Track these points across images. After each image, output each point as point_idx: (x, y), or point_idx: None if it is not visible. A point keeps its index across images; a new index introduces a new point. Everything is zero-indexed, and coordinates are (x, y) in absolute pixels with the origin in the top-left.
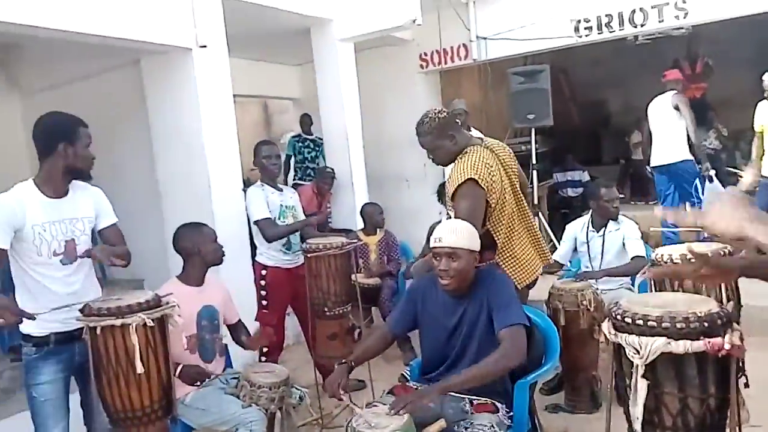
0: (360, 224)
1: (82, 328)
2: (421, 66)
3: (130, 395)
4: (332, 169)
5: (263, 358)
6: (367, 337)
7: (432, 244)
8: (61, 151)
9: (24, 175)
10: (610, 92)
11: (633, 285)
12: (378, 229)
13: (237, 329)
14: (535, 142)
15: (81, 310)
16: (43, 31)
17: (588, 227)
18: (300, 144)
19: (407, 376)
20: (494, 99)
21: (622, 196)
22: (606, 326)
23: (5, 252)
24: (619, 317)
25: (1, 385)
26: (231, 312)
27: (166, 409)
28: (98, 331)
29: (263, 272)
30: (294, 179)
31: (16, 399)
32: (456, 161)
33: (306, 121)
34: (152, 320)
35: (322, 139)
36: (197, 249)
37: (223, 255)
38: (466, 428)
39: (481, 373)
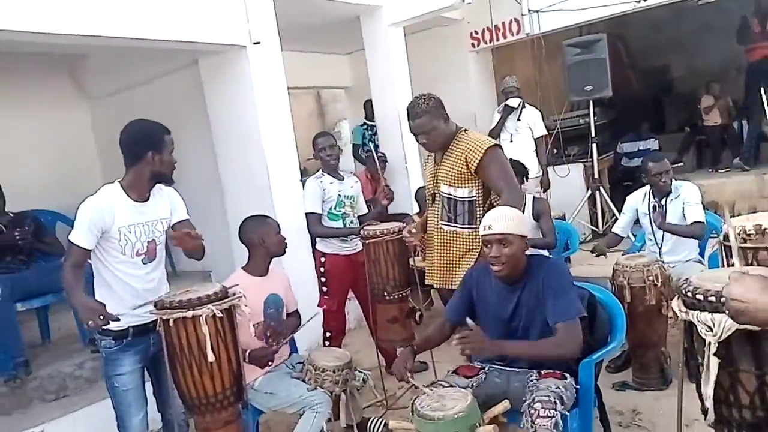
0: (415, 208)
1: (156, 320)
2: (473, 45)
3: (203, 383)
4: (383, 154)
5: (326, 343)
6: (429, 326)
7: (482, 232)
8: (149, 158)
9: (94, 177)
10: (671, 57)
11: (702, 257)
12: None
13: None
14: (594, 115)
15: (155, 305)
16: (107, 40)
17: (649, 197)
18: (368, 131)
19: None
20: (549, 73)
21: (681, 164)
22: (676, 303)
23: (90, 252)
24: (689, 294)
25: (84, 375)
26: (290, 301)
27: (237, 394)
28: (171, 323)
29: (322, 259)
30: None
31: (98, 387)
32: (458, 139)
33: (370, 106)
34: (221, 311)
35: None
36: (261, 240)
37: (286, 246)
38: (531, 392)
39: (537, 351)
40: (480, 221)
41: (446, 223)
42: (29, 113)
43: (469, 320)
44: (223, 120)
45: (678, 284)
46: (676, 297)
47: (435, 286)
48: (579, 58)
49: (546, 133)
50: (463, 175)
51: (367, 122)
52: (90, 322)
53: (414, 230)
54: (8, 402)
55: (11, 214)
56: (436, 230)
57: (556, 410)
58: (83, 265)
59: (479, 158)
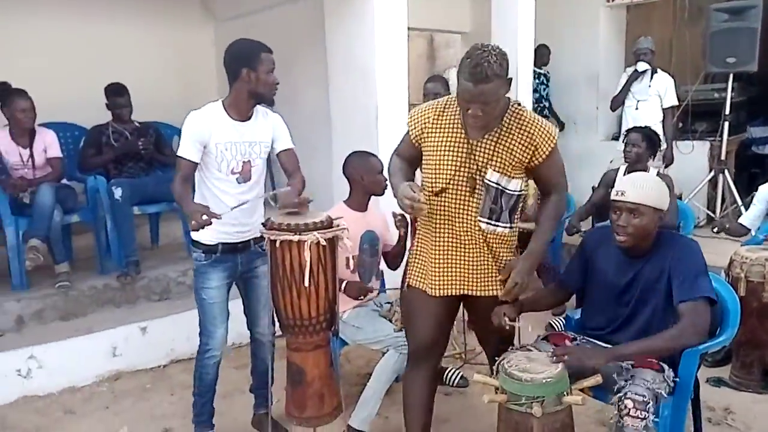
0: None
1: (246, 241)
2: None
3: (300, 305)
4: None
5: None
6: (542, 290)
7: (613, 197)
8: (245, 76)
9: (212, 96)
10: None
11: None
12: None
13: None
14: (732, 90)
15: (263, 224)
16: None
17: None
18: (536, 80)
19: (555, 326)
20: (688, 38)
21: None
22: None
23: (196, 165)
24: None
25: (186, 282)
26: (389, 239)
27: (330, 321)
28: (277, 244)
29: None
30: None
31: None
32: (516, 117)
33: (543, 51)
34: (325, 240)
35: (550, 74)
36: (362, 177)
37: (386, 188)
38: (626, 380)
39: (654, 347)
40: (516, 220)
41: (487, 220)
42: (158, 29)
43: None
44: (339, 53)
45: None
46: None
47: (467, 291)
48: (726, 25)
49: (677, 103)
50: (521, 164)
51: (535, 69)
52: (193, 221)
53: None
54: (118, 296)
55: (137, 123)
56: (460, 228)
57: (647, 412)
58: (191, 177)
59: (550, 148)
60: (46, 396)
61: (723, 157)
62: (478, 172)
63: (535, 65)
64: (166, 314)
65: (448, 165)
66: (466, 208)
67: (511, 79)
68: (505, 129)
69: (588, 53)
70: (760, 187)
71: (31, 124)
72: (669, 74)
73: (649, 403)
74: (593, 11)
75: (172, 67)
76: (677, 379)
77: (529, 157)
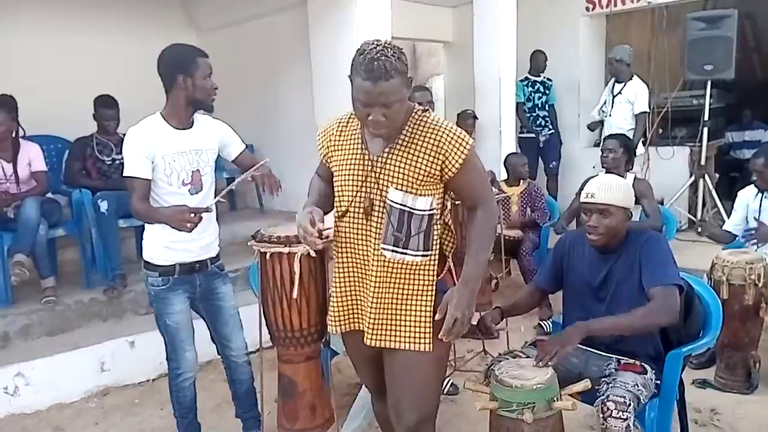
0: (503, 175)
1: (203, 261)
2: (587, 8)
3: (290, 317)
4: (473, 111)
5: None
6: (519, 293)
7: (583, 199)
8: (181, 82)
9: None
10: None
11: None
12: (521, 181)
13: None
14: (710, 97)
15: (253, 236)
16: None
17: (762, 193)
18: (531, 88)
19: (544, 327)
20: (667, 47)
21: None
22: None
23: (149, 183)
24: None
25: None
26: None
27: (320, 333)
28: (267, 256)
29: None
30: (521, 132)
31: None
32: (420, 124)
33: (540, 58)
34: (315, 251)
35: (551, 81)
36: None
37: None
38: (607, 384)
39: (626, 323)
40: (435, 245)
41: (391, 247)
42: (141, 41)
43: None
44: (324, 62)
45: None
46: None
47: (367, 341)
48: (702, 33)
49: (647, 110)
50: (429, 179)
51: (530, 77)
52: (187, 224)
53: (321, 224)
54: (104, 309)
55: (121, 135)
56: (362, 256)
57: (628, 412)
58: (148, 197)
59: (463, 157)
60: (33, 413)
61: (703, 162)
62: (378, 192)
63: (530, 72)
64: (154, 328)
65: (348, 185)
66: (364, 233)
67: (411, 78)
68: (407, 139)
69: (568, 62)
70: (739, 193)
71: (1, 139)
72: (643, 81)
73: (629, 404)
74: (573, 20)
75: (156, 78)
76: (658, 382)
77: (439, 169)
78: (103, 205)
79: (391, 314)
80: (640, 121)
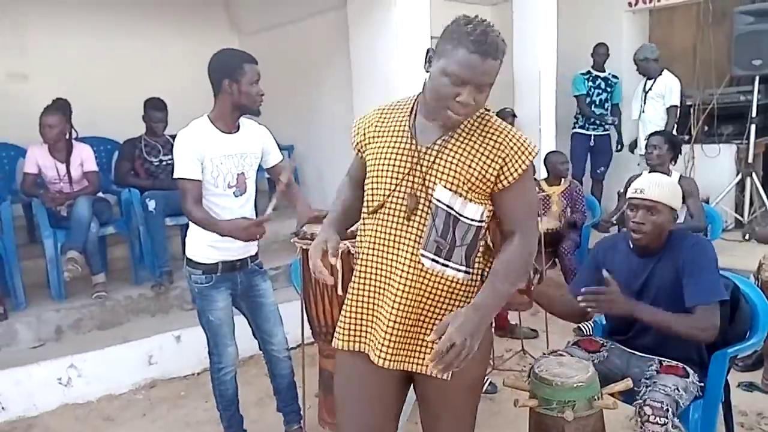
0: (543, 173)
1: (243, 259)
2: (630, 3)
3: (332, 313)
4: (512, 109)
5: None
6: (563, 292)
7: (630, 195)
8: (227, 87)
9: None
10: None
11: None
12: (562, 180)
13: None
14: (758, 93)
15: (295, 233)
16: None
17: None
18: (592, 83)
19: (583, 330)
20: (713, 42)
21: None
22: None
23: (201, 184)
24: None
25: None
26: None
27: None
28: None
29: None
30: (573, 127)
31: None
32: (484, 123)
33: (599, 51)
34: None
35: (617, 78)
36: None
37: None
38: (647, 386)
39: (672, 324)
40: (477, 265)
41: (432, 255)
42: (186, 44)
43: (605, 273)
44: (363, 63)
45: None
46: None
47: (378, 360)
48: (751, 27)
49: (677, 104)
50: (481, 184)
51: (593, 71)
52: (256, 236)
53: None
54: (152, 305)
55: (168, 137)
56: (390, 262)
57: (666, 417)
58: (201, 198)
59: (524, 168)
60: (85, 404)
61: (750, 160)
62: (423, 188)
63: (593, 67)
64: (198, 323)
65: (386, 177)
66: (398, 236)
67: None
68: (466, 134)
69: (611, 58)
70: None
71: (55, 140)
72: (675, 75)
73: (668, 409)
74: (616, 15)
75: (200, 81)
76: (701, 384)
77: (495, 174)
78: (151, 204)
79: (414, 333)
80: (671, 115)
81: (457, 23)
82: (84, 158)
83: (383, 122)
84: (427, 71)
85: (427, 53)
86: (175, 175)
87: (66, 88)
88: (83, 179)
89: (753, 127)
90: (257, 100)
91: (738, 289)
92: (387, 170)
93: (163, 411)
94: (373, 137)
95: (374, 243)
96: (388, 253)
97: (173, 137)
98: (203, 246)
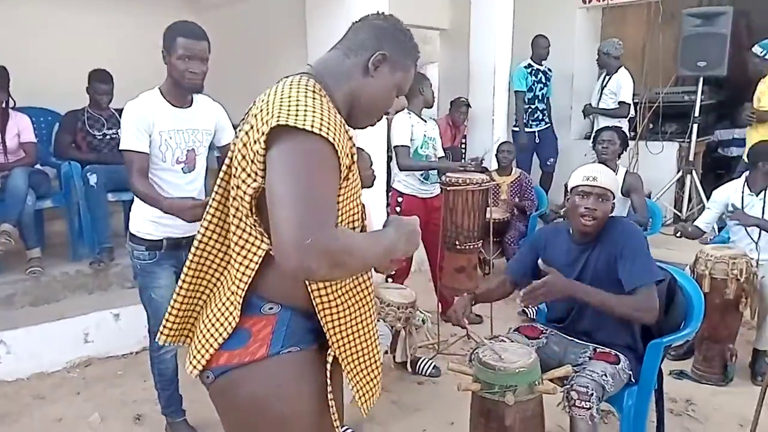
0: (494, 164)
1: (190, 237)
2: (584, 0)
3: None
4: (466, 99)
5: (389, 280)
6: (493, 280)
7: (581, 182)
8: (166, 60)
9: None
10: None
11: None
12: (512, 170)
13: None
14: (702, 93)
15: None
16: None
17: (744, 190)
18: (533, 77)
19: (527, 312)
20: (661, 42)
21: None
22: None
23: (148, 157)
24: None
25: None
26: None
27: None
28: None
29: (399, 199)
30: (515, 125)
31: None
32: None
33: (541, 43)
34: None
35: (551, 72)
36: None
37: (374, 181)
38: (576, 372)
39: (610, 304)
40: None
41: None
42: (139, 16)
43: (541, 263)
44: (320, 48)
45: None
46: None
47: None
48: (697, 30)
49: (628, 101)
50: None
51: (533, 64)
52: (199, 217)
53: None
54: (90, 282)
55: (113, 110)
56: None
57: (591, 402)
58: (147, 172)
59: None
60: (14, 381)
61: (691, 158)
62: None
63: (533, 59)
64: (139, 301)
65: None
66: None
67: None
68: None
69: (563, 53)
70: (715, 192)
71: None
72: (630, 75)
73: (592, 394)
74: (569, 12)
75: (152, 55)
76: (630, 372)
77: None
78: (93, 178)
79: None
80: (618, 110)
81: (402, 32)
82: (21, 128)
83: (346, 135)
84: (372, 71)
85: (375, 54)
86: (121, 147)
87: (4, 55)
88: (20, 150)
89: (695, 127)
90: (185, 77)
91: (675, 281)
92: (358, 199)
93: (98, 390)
94: (351, 160)
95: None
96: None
97: (118, 111)
98: (147, 221)
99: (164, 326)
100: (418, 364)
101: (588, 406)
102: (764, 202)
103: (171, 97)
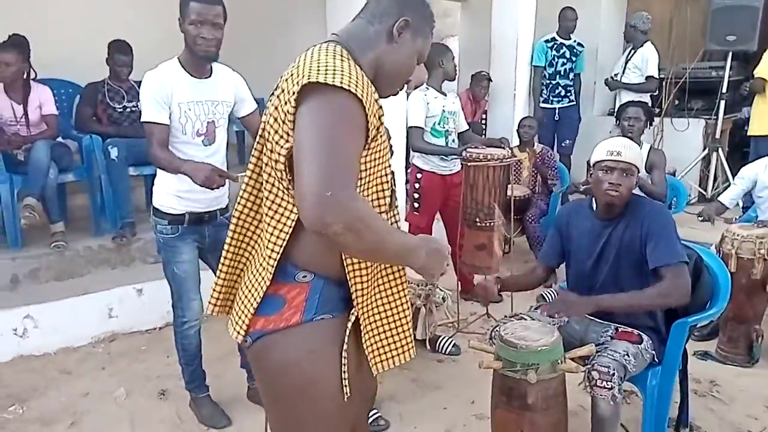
0: (516, 140)
1: (213, 211)
2: None
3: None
4: (487, 73)
5: None
6: (525, 270)
7: (605, 157)
8: (182, 28)
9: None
10: None
11: None
12: (534, 145)
13: None
14: (730, 69)
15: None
16: None
17: None
18: (554, 52)
19: (546, 297)
20: (689, 15)
21: None
22: None
23: (168, 127)
24: None
25: None
26: None
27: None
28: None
29: (418, 176)
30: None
31: None
32: None
33: (568, 16)
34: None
35: (582, 46)
36: None
37: (392, 155)
38: (598, 352)
39: (638, 303)
40: None
41: None
42: None
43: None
44: (340, 16)
45: None
46: None
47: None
48: (726, 3)
49: (655, 75)
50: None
51: (558, 38)
52: (212, 183)
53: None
54: (113, 257)
55: (133, 82)
56: None
57: (612, 382)
58: (167, 143)
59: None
60: (42, 356)
61: (717, 136)
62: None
63: (558, 33)
64: (162, 276)
65: (388, 170)
66: None
67: None
68: None
69: (588, 28)
70: (744, 168)
71: (11, 79)
72: (656, 49)
73: (614, 374)
74: None
75: (172, 25)
76: (653, 352)
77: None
78: (114, 152)
79: None
80: (645, 85)
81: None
82: (43, 100)
83: (374, 96)
84: (397, 37)
85: (399, 20)
86: (142, 119)
87: (24, 26)
88: (42, 122)
89: (723, 103)
90: (198, 42)
91: (701, 260)
92: (388, 164)
93: (122, 365)
94: (380, 121)
95: None
96: None
97: (138, 83)
98: (170, 195)
99: (212, 296)
100: (438, 342)
101: (609, 386)
102: None
103: (189, 68)
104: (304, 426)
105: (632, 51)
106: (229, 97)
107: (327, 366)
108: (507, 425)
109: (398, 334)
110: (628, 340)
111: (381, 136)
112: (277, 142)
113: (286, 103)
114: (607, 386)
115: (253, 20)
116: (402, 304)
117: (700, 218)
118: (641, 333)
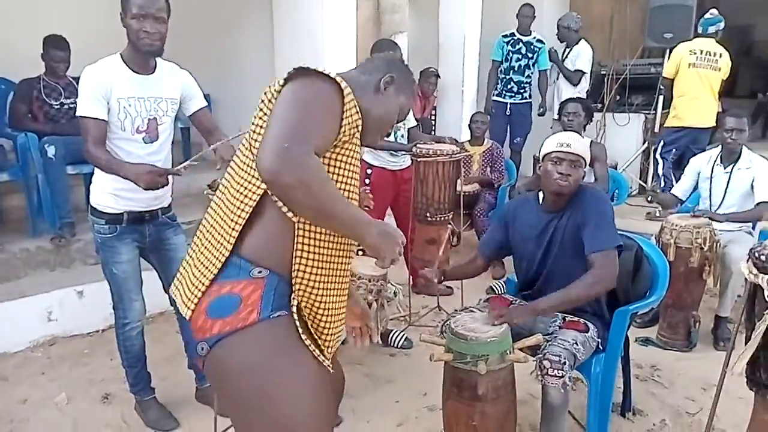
0: (466, 135)
1: (154, 210)
2: None
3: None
4: (436, 69)
5: (359, 253)
6: (466, 260)
7: (556, 148)
8: (124, 23)
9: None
10: (760, 17)
11: (753, 230)
12: (484, 141)
13: None
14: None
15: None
16: None
17: (715, 162)
18: (511, 47)
19: (495, 289)
20: (629, 13)
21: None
22: (746, 266)
23: (105, 124)
24: (763, 257)
25: None
26: None
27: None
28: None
29: (368, 171)
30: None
31: None
32: None
33: (525, 12)
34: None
35: (542, 42)
36: None
37: None
38: (548, 342)
39: (571, 297)
40: None
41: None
42: None
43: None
44: (286, 15)
45: (752, 247)
46: (746, 259)
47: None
48: (664, 1)
49: (585, 70)
50: None
51: (517, 34)
52: (156, 185)
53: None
54: (52, 258)
55: (71, 79)
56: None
57: (563, 370)
58: (104, 140)
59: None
60: None
61: (656, 130)
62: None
63: (518, 30)
64: (102, 279)
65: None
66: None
67: None
68: None
69: (533, 26)
70: (692, 160)
71: None
72: (591, 46)
73: (565, 362)
74: None
75: (113, 20)
76: (599, 340)
77: None
78: (51, 150)
79: None
80: (573, 74)
81: (406, 67)
82: None
83: (355, 109)
84: (383, 89)
85: (385, 75)
86: (78, 113)
87: None
88: None
89: (660, 99)
90: (140, 37)
91: (641, 250)
92: (357, 169)
93: (63, 369)
94: (356, 129)
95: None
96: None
97: (77, 80)
98: (107, 194)
99: (175, 278)
100: (390, 336)
101: (560, 375)
102: (729, 176)
103: (132, 63)
104: (282, 428)
105: (567, 50)
106: (175, 94)
107: (290, 363)
108: (458, 416)
109: (334, 321)
110: (576, 329)
111: (355, 141)
112: (260, 118)
113: (277, 91)
114: (558, 374)
115: (199, 19)
116: (342, 296)
117: (648, 199)
118: (587, 322)
